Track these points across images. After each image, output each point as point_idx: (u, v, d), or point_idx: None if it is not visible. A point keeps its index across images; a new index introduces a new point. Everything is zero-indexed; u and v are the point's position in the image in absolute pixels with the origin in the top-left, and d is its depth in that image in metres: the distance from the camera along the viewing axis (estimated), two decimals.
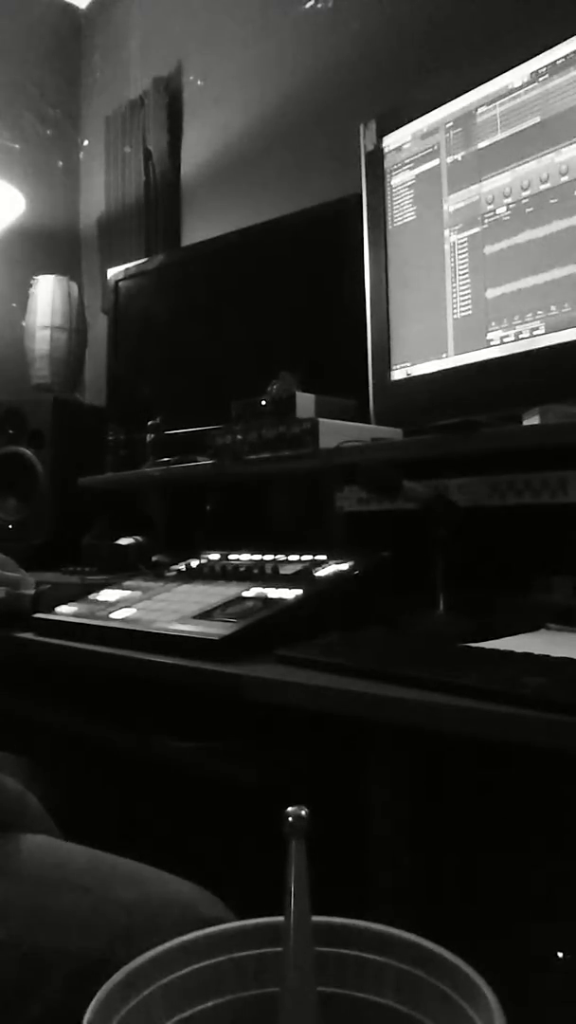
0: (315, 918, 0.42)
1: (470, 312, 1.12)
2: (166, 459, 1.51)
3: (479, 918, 0.70)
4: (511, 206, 1.07)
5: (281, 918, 0.41)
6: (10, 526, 1.78)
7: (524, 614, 0.97)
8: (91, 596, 1.11)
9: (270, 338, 1.52)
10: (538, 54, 1.04)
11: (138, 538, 1.49)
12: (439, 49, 1.51)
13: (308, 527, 1.42)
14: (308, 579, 1.00)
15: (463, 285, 1.13)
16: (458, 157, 1.14)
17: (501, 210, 1.08)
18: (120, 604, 1.05)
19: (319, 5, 1.77)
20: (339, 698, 0.72)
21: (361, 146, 1.28)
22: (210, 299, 1.66)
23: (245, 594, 0.97)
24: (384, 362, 1.23)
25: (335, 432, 1.17)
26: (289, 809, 0.42)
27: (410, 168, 1.21)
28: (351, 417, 1.25)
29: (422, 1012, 0.42)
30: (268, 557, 1.13)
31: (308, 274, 1.48)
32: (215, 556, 1.22)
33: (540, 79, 1.04)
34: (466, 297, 1.12)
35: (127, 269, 1.85)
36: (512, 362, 1.06)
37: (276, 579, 1.02)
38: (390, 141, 1.24)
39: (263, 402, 1.29)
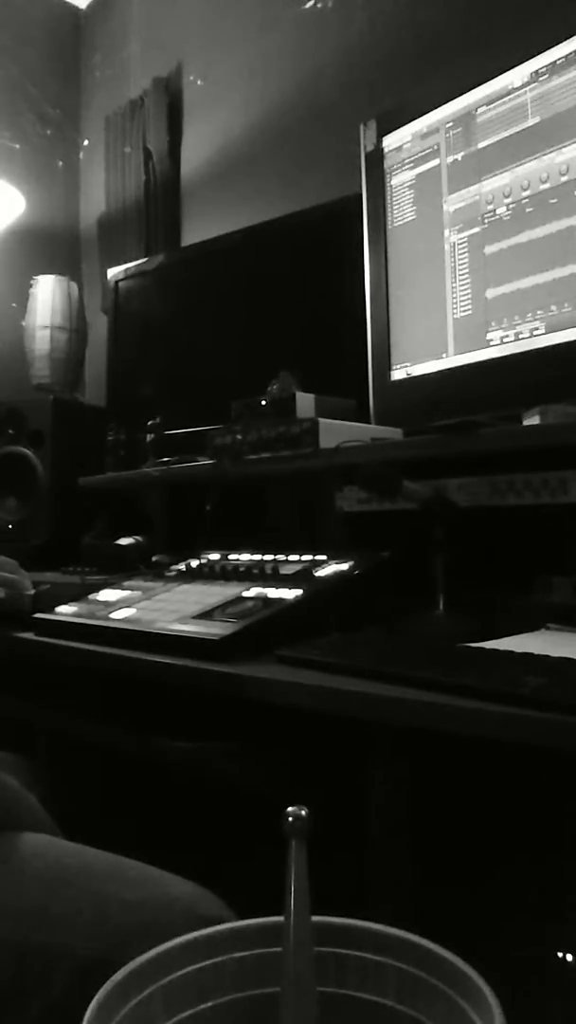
0: (315, 918, 0.42)
1: (470, 312, 1.12)
2: (166, 459, 1.51)
3: (479, 918, 0.70)
4: (511, 206, 1.07)
5: (281, 918, 0.41)
6: (10, 526, 1.78)
7: (524, 614, 0.97)
8: (91, 596, 1.11)
9: (270, 338, 1.52)
10: (538, 54, 1.04)
11: (138, 538, 1.49)
12: (439, 49, 1.51)
13: (308, 527, 1.42)
14: (308, 579, 1.00)
15: (463, 285, 1.13)
16: (458, 157, 1.14)
17: (501, 210, 1.08)
18: (120, 604, 1.05)
19: (319, 5, 1.77)
20: (339, 698, 0.72)
21: (361, 146, 1.28)
22: (210, 299, 1.66)
23: (245, 594, 0.97)
24: (384, 362, 1.23)
25: (335, 432, 1.17)
26: (289, 809, 0.42)
27: (410, 168, 1.21)
28: (351, 417, 1.25)
29: (422, 1012, 0.42)
30: (268, 557, 1.13)
31: (308, 274, 1.48)
32: (215, 556, 1.22)
33: (540, 79, 1.04)
34: (466, 297, 1.12)
35: (127, 269, 1.85)
36: (512, 362, 1.06)
37: (276, 579, 1.02)
38: (390, 141, 1.24)
39: (263, 402, 1.29)
